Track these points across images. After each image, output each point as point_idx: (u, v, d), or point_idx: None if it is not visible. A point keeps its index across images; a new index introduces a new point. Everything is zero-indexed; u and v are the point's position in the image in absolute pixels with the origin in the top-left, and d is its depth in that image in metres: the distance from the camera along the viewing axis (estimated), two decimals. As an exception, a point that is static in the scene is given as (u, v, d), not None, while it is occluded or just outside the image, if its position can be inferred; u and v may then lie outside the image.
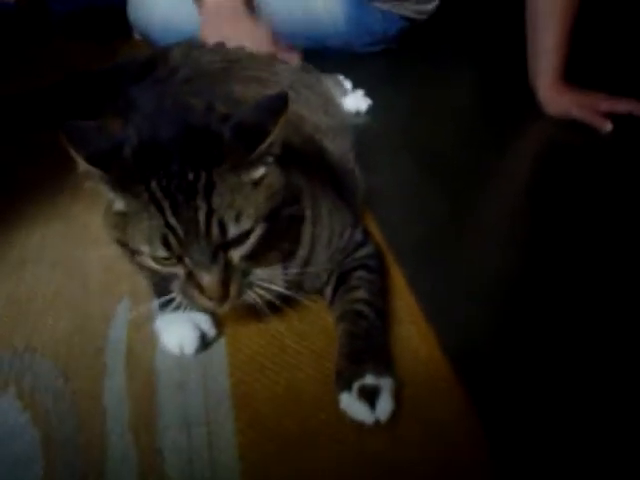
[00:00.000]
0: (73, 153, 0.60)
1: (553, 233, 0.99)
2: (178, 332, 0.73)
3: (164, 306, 0.69)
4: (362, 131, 1.17)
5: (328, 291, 0.79)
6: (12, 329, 0.74)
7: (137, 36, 1.72)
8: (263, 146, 0.60)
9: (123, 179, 0.59)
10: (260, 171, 0.62)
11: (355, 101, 1.39)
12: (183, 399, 0.68)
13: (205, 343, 0.74)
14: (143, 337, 0.74)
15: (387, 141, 1.28)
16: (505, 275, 0.91)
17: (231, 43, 1.11)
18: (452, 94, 1.57)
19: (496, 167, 1.22)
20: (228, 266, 0.61)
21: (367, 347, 0.70)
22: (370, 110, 1.39)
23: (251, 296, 0.65)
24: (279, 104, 0.61)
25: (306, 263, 0.74)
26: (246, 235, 0.61)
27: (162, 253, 0.60)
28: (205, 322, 0.74)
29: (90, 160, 0.59)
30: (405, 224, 1.00)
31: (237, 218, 0.59)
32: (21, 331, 0.74)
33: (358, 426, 0.65)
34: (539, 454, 0.63)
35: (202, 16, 1.27)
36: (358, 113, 1.38)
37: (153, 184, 0.58)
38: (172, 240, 0.59)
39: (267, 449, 0.63)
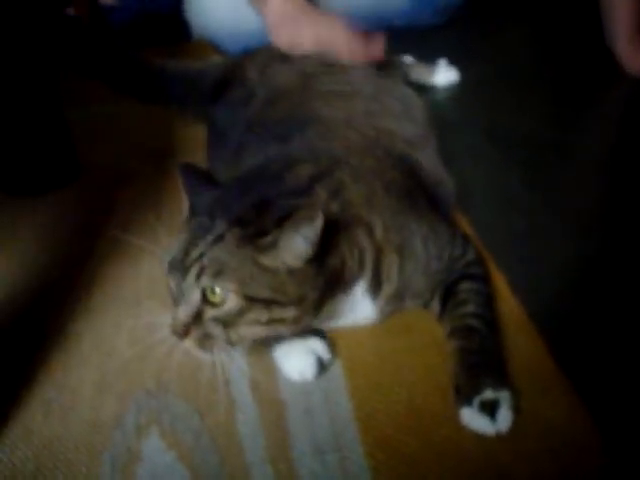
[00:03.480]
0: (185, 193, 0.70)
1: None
2: (296, 359, 0.76)
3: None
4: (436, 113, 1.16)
5: (435, 305, 0.81)
6: (141, 368, 0.79)
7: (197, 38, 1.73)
8: (265, 240, 0.63)
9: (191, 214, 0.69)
10: (269, 261, 0.64)
11: (445, 75, 1.41)
12: (311, 426, 0.71)
13: (323, 367, 0.77)
14: (264, 366, 0.78)
15: (462, 123, 1.28)
16: (603, 264, 0.90)
17: (307, 41, 1.12)
18: (520, 65, 1.53)
19: (580, 141, 1.20)
20: (199, 316, 0.64)
21: (483, 362, 0.72)
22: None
23: (212, 356, 0.67)
24: (305, 221, 0.63)
25: (398, 297, 0.77)
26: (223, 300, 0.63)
27: (165, 267, 0.65)
28: (320, 347, 0.77)
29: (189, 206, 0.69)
30: (496, 219, 1.00)
31: (215, 275, 0.62)
32: (149, 370, 0.79)
33: (479, 439, 0.68)
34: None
35: (268, 19, 1.24)
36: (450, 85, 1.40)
37: (194, 219, 0.66)
38: (173, 260, 0.65)
39: (398, 470, 0.66)
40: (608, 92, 1.39)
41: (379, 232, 0.73)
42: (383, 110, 0.92)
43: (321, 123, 0.85)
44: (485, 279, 0.83)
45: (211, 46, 1.57)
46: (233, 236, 0.63)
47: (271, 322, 0.65)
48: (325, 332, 0.80)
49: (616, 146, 1.21)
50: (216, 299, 0.63)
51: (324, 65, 1.04)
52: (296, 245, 0.63)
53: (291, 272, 0.65)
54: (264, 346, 0.76)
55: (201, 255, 0.63)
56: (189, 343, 0.66)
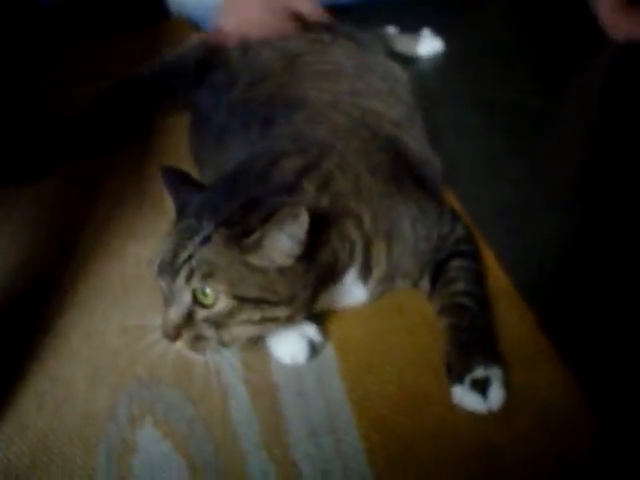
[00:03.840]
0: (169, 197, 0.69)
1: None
2: (288, 344, 0.76)
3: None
4: (420, 84, 1.16)
5: (425, 284, 0.81)
6: (132, 360, 0.79)
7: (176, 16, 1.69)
8: (250, 240, 0.62)
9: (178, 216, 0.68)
10: (257, 260, 0.63)
11: (429, 45, 1.40)
12: (306, 409, 0.72)
13: (314, 350, 0.77)
14: (255, 351, 0.78)
15: (446, 94, 1.27)
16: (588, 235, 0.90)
17: (253, 28, 1.09)
18: (503, 34, 1.51)
19: (563, 110, 1.19)
20: (190, 317, 0.64)
21: (473, 339, 0.73)
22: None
23: (204, 357, 0.67)
24: (289, 219, 0.62)
25: (388, 279, 0.77)
26: (213, 301, 0.63)
27: (154, 270, 0.65)
28: (312, 330, 0.77)
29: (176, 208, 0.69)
30: (483, 192, 1.00)
31: (204, 277, 0.62)
32: (141, 361, 0.78)
33: (472, 417, 0.69)
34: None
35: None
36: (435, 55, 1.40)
37: (181, 222, 0.66)
38: (162, 263, 0.64)
39: (392, 451, 0.67)
40: (592, 59, 1.38)
41: (367, 222, 0.73)
42: (369, 90, 0.91)
43: (307, 106, 0.84)
44: (475, 255, 0.83)
45: (190, 24, 1.54)
46: (220, 236, 0.63)
47: (263, 321, 0.65)
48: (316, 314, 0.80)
49: (599, 114, 1.20)
50: (207, 300, 0.63)
51: (308, 42, 1.02)
52: (282, 243, 0.63)
53: (281, 271, 0.64)
54: (257, 343, 0.76)
55: (190, 257, 0.63)
56: (181, 345, 0.65)
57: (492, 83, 1.28)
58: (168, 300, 0.65)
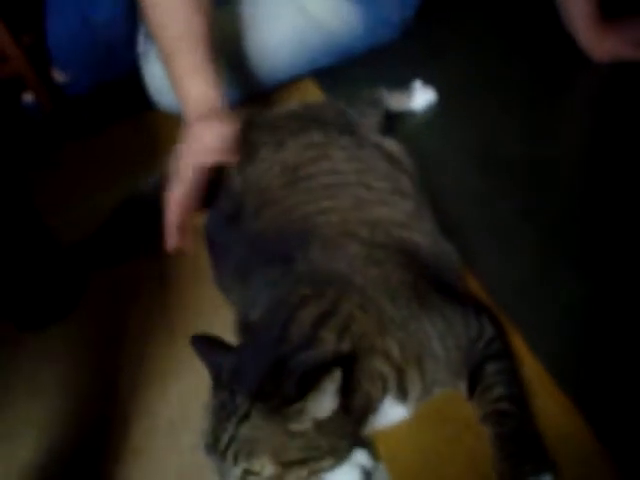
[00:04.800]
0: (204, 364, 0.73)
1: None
2: (342, 475, 0.78)
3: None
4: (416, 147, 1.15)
5: (462, 387, 0.83)
6: None
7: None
8: (291, 410, 0.65)
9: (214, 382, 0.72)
10: (298, 426, 0.66)
11: (422, 97, 1.40)
12: (372, 542, 0.74)
13: (368, 475, 0.80)
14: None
15: (443, 154, 1.28)
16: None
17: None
18: (487, 62, 1.52)
19: (563, 155, 1.20)
20: None
21: (521, 448, 0.75)
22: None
23: None
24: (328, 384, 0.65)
25: (426, 393, 0.79)
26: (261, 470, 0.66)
27: (202, 449, 0.68)
28: (362, 456, 0.80)
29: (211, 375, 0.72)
30: (500, 266, 1.01)
31: (249, 455, 0.65)
32: None
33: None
34: None
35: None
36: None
37: (216, 395, 0.69)
38: (207, 444, 0.67)
39: None
40: (588, 84, 1.38)
41: (396, 354, 0.75)
42: (372, 196, 0.92)
43: (317, 236, 0.85)
44: (506, 353, 0.84)
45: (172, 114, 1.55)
46: (258, 412, 0.65)
47: (311, 474, 0.68)
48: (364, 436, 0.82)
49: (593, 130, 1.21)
50: (256, 469, 0.66)
51: (303, 148, 1.02)
52: (323, 405, 0.66)
53: (319, 427, 0.67)
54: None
55: (231, 439, 0.65)
56: None
57: (487, 133, 1.28)
58: (221, 475, 0.68)
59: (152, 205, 1.15)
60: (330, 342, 0.71)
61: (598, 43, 1.37)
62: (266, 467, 0.65)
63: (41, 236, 1.16)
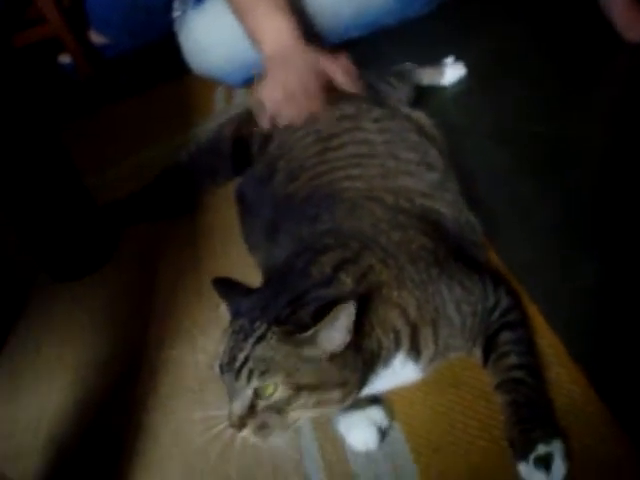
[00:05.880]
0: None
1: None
2: (358, 431, 0.83)
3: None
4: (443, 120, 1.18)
5: (477, 354, 0.86)
6: (221, 459, 0.85)
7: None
8: (304, 336, 0.68)
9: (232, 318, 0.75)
10: (311, 352, 0.69)
11: (453, 73, 1.42)
12: (385, 497, 0.78)
13: (383, 433, 0.83)
14: (332, 439, 0.84)
15: (469, 128, 1.29)
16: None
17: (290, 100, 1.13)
18: (518, 45, 1.51)
19: (589, 134, 1.20)
20: (253, 408, 0.70)
21: (532, 415, 0.77)
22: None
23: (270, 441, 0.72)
24: (341, 314, 0.68)
25: (439, 356, 0.82)
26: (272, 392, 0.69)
27: (216, 370, 0.72)
28: (378, 415, 0.84)
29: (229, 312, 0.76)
30: (520, 242, 1.03)
31: (263, 374, 0.68)
32: (229, 460, 0.83)
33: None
34: None
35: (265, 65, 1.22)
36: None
37: (234, 323, 0.72)
38: (222, 364, 0.71)
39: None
40: (615, 69, 1.38)
41: (413, 312, 0.78)
42: (399, 167, 0.95)
43: (345, 200, 0.89)
44: (522, 324, 0.87)
45: (210, 79, 1.58)
46: (274, 334, 0.69)
47: (318, 404, 0.71)
48: (380, 396, 0.86)
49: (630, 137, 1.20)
50: (266, 392, 0.69)
51: (338, 120, 1.06)
52: (334, 336, 0.69)
53: (332, 358, 0.70)
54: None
55: (247, 358, 0.69)
56: (246, 433, 0.71)
57: (514, 110, 1.30)
58: (232, 395, 0.71)
59: (187, 174, 1.22)
60: (347, 285, 0.74)
61: (634, 26, 1.36)
62: (278, 388, 0.69)
63: (78, 192, 1.21)
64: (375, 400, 0.85)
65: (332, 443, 0.84)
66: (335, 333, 0.69)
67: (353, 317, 0.69)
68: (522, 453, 0.75)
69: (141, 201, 1.29)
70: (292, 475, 0.83)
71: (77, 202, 1.20)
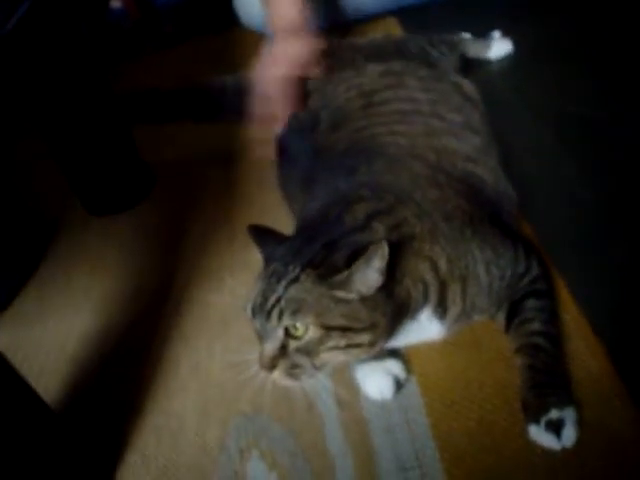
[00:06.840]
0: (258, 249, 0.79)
1: None
2: (375, 380, 0.84)
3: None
4: (488, 93, 1.17)
5: (500, 319, 0.86)
6: (237, 393, 0.88)
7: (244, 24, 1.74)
8: (338, 277, 0.69)
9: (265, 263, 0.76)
10: (344, 294, 0.70)
11: (500, 47, 1.42)
12: (393, 444, 0.80)
13: (399, 385, 0.85)
14: (347, 385, 0.86)
15: (514, 104, 1.29)
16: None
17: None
18: (568, 29, 1.49)
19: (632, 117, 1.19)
20: (284, 349, 0.71)
21: (548, 380, 0.78)
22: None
23: (302, 383, 0.73)
24: (374, 255, 0.69)
25: (464, 316, 0.82)
26: (304, 332, 0.70)
27: (248, 313, 0.73)
28: (396, 367, 0.85)
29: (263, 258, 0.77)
30: (556, 220, 1.03)
31: (294, 313, 0.69)
32: (244, 394, 0.87)
33: (547, 454, 0.75)
34: None
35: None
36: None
37: (267, 268, 0.74)
38: (254, 306, 0.72)
39: (473, 486, 0.75)
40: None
41: (443, 266, 0.78)
42: (443, 127, 0.95)
43: (385, 154, 0.89)
44: (550, 294, 0.87)
45: (258, 34, 1.59)
46: (307, 276, 0.70)
47: (348, 347, 0.72)
48: (399, 350, 0.87)
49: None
50: (298, 332, 0.70)
51: (381, 76, 1.06)
52: (368, 277, 0.70)
53: (363, 300, 0.71)
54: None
55: (279, 299, 0.70)
56: (277, 374, 0.73)
57: (558, 90, 1.29)
58: (263, 337, 0.73)
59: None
60: (380, 233, 0.75)
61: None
62: (309, 328, 0.70)
63: (120, 130, 1.23)
64: (394, 353, 0.87)
65: (347, 390, 0.85)
66: (368, 274, 0.70)
67: (386, 258, 0.69)
68: (535, 415, 0.76)
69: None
70: (305, 414, 0.84)
71: (119, 140, 1.23)
